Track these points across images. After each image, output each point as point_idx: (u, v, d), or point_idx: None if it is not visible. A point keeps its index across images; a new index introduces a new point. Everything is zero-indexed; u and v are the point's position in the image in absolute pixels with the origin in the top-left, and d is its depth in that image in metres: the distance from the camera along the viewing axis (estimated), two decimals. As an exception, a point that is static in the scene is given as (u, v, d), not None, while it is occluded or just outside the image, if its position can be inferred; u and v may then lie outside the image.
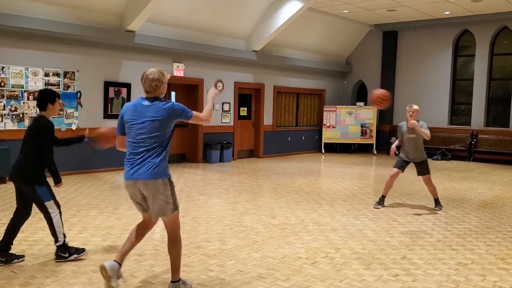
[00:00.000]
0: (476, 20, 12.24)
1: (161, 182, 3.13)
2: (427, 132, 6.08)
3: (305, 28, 12.26)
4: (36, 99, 3.96)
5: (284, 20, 10.65)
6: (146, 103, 3.20)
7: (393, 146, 6.49)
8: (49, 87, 8.20)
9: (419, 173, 6.34)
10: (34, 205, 4.00)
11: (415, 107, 6.24)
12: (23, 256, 3.98)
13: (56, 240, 3.89)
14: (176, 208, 3.22)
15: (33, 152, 3.84)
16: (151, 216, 3.32)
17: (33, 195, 3.86)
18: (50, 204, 3.85)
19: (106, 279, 3.13)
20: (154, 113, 3.14)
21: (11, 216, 5.41)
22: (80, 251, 3.99)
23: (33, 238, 4.58)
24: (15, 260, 3.89)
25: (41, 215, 5.50)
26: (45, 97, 3.93)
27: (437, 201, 6.38)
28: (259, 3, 10.61)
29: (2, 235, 3.97)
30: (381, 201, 6.45)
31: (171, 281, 3.30)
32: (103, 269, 3.15)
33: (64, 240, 3.91)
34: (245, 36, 11.27)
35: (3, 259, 3.84)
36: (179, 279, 3.31)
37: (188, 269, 3.82)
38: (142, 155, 3.13)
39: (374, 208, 6.33)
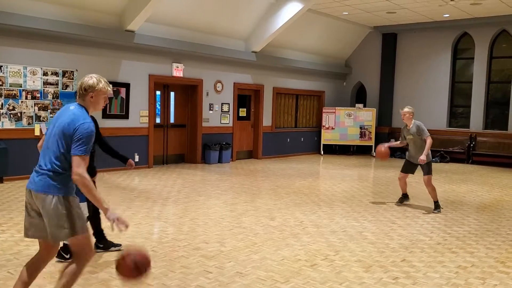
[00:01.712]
0: (476, 23, 12.26)
1: (52, 200, 2.64)
2: (428, 144, 6.17)
3: (304, 29, 12.25)
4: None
5: (283, 21, 10.64)
6: (71, 107, 2.78)
7: (387, 144, 6.61)
8: (48, 86, 8.17)
9: (423, 173, 6.39)
10: None
11: (406, 109, 6.34)
12: (120, 245, 4.24)
13: None
14: (74, 233, 2.68)
15: None
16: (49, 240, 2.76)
17: None
18: (82, 206, 3.93)
19: None
20: (66, 120, 2.69)
21: (9, 216, 5.40)
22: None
23: (30, 239, 4.53)
24: (112, 248, 4.18)
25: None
26: None
27: (436, 204, 6.37)
28: (258, 4, 10.59)
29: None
30: (402, 198, 6.71)
31: None
32: None
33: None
34: (245, 37, 11.25)
35: (102, 246, 4.19)
36: None
37: (186, 270, 3.79)
38: (43, 163, 2.72)
39: (395, 204, 6.69)
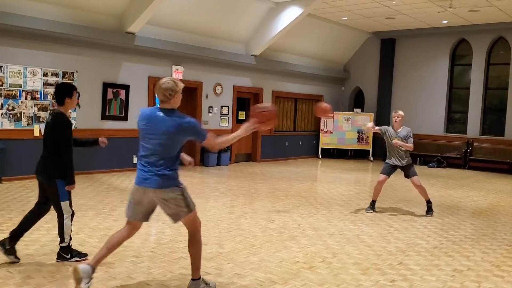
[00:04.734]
0: (473, 30, 12.36)
1: (170, 191, 3.19)
2: (411, 145, 6.25)
3: (304, 34, 12.32)
4: (54, 94, 3.98)
5: (283, 26, 10.70)
6: (161, 114, 3.19)
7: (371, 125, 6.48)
8: (48, 87, 8.19)
9: (407, 176, 6.43)
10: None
11: (400, 112, 6.41)
12: (19, 259, 3.90)
13: (62, 241, 3.92)
14: (190, 210, 3.27)
15: (57, 147, 3.81)
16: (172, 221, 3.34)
17: (52, 190, 3.83)
18: (65, 205, 3.86)
19: (76, 280, 3.13)
20: (168, 127, 3.15)
21: (8, 216, 5.41)
22: (82, 255, 4.00)
23: (29, 238, 4.56)
24: (12, 257, 3.83)
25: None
26: (63, 92, 3.88)
27: (429, 203, 6.41)
28: (259, 8, 10.66)
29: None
30: (372, 206, 6.57)
31: (191, 279, 3.37)
32: (75, 270, 3.14)
33: (69, 242, 3.95)
34: (245, 40, 11.31)
35: (8, 247, 3.80)
36: (199, 277, 3.37)
37: (185, 271, 3.82)
38: (153, 164, 3.19)
39: (366, 212, 6.46)
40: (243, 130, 3.39)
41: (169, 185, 3.19)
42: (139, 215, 3.35)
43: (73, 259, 3.92)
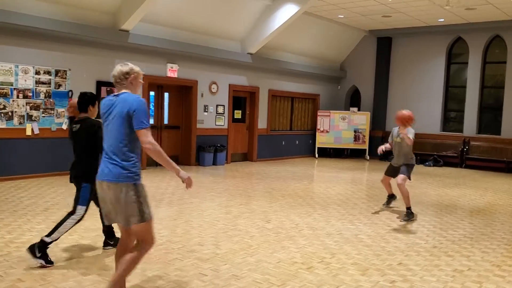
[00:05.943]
0: (470, 28, 12.35)
1: (124, 187, 2.81)
2: (410, 136, 5.86)
3: (300, 32, 12.25)
4: (78, 101, 4.13)
5: (280, 24, 10.63)
6: (114, 98, 2.92)
7: (382, 146, 6.37)
8: (40, 85, 8.06)
9: (399, 172, 6.14)
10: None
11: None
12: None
13: (48, 235, 3.77)
14: (142, 220, 2.85)
15: (85, 152, 3.98)
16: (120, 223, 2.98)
17: (78, 191, 3.96)
18: (80, 209, 3.92)
19: None
20: (120, 108, 2.84)
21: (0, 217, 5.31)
22: (49, 262, 3.77)
23: (21, 240, 4.45)
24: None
25: (30, 216, 5.40)
26: (87, 100, 4.09)
27: (408, 211, 5.97)
28: (255, 6, 10.57)
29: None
30: (389, 199, 6.69)
31: None
32: None
33: (51, 243, 3.79)
34: (241, 38, 11.22)
35: (112, 243, 4.25)
36: None
37: (181, 273, 3.73)
38: (109, 154, 2.88)
39: (383, 206, 6.69)
40: (175, 168, 2.93)
41: (122, 179, 2.80)
42: (109, 216, 2.98)
43: (39, 260, 3.71)
